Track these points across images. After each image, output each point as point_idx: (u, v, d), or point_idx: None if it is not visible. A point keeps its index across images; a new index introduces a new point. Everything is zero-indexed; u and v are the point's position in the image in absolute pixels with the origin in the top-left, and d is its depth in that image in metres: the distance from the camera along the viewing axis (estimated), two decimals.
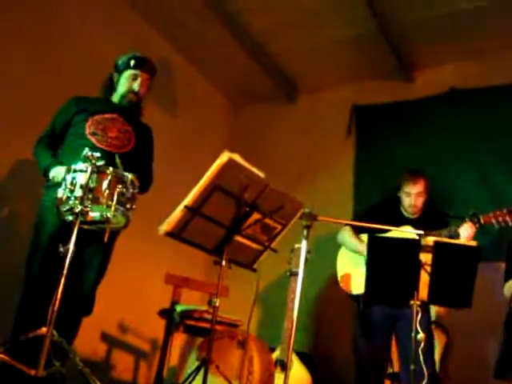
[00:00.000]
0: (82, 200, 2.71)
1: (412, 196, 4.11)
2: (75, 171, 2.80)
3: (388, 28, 5.06)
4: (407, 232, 3.79)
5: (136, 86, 3.62)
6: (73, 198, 2.73)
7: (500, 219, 3.76)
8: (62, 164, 3.23)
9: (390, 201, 4.33)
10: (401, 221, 4.04)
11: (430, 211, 4.21)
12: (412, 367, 3.09)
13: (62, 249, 2.68)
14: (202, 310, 4.10)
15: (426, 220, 4.04)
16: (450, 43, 5.21)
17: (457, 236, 3.83)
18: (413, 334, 3.11)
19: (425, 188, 4.14)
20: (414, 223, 4.01)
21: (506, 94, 5.00)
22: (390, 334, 3.96)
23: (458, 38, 5.13)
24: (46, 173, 3.30)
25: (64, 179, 2.85)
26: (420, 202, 4.13)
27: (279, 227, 3.16)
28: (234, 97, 6.59)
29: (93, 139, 3.39)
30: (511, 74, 4.98)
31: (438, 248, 3.13)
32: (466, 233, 3.80)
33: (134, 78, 3.62)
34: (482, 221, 3.80)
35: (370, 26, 5.04)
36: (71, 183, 2.77)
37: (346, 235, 4.23)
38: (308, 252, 3.14)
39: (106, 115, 3.53)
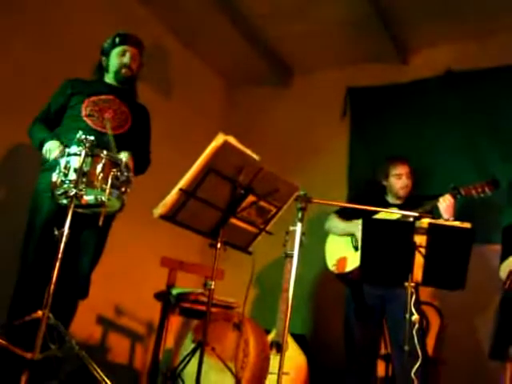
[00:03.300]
0: (76, 184, 2.71)
1: (403, 176, 4.18)
2: (69, 155, 2.80)
3: (382, 9, 5.01)
4: (395, 213, 3.85)
5: (126, 59, 3.62)
6: (67, 182, 2.74)
7: (479, 190, 3.84)
8: (58, 139, 3.25)
9: (374, 189, 4.37)
10: (387, 208, 4.08)
11: (413, 196, 4.26)
12: (406, 348, 3.11)
13: (56, 232, 2.69)
14: (197, 292, 4.11)
15: (410, 205, 4.06)
16: (445, 24, 5.16)
17: (437, 209, 3.89)
18: (407, 316, 3.14)
19: (411, 169, 4.21)
20: (400, 208, 4.05)
21: (503, 76, 4.98)
22: (382, 315, 4.00)
23: (453, 18, 5.08)
24: (41, 146, 3.29)
25: (56, 159, 2.90)
26: (410, 182, 4.19)
27: (274, 210, 3.17)
28: (229, 79, 6.55)
29: (89, 121, 3.39)
30: (508, 55, 4.95)
31: (431, 230, 3.14)
32: (444, 204, 3.86)
33: (123, 53, 3.62)
34: (462, 192, 3.87)
35: (365, 8, 4.98)
36: (65, 167, 2.77)
37: (335, 220, 4.27)
38: (303, 234, 3.15)
39: (102, 96, 3.52)
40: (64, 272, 2.72)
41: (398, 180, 4.18)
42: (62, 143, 3.21)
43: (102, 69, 3.70)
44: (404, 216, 3.63)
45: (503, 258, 3.78)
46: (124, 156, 3.18)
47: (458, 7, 4.93)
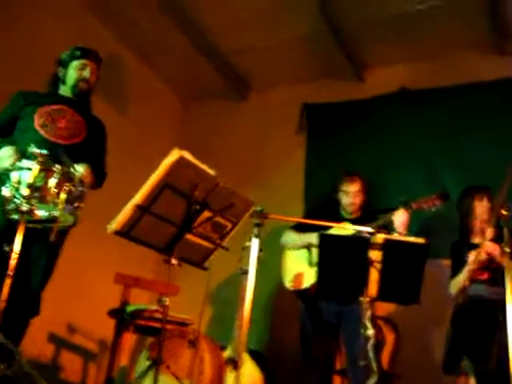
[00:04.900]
0: (28, 199, 2.65)
1: (350, 194, 4.23)
2: (21, 169, 2.75)
3: (339, 28, 5.10)
4: (348, 228, 3.89)
5: (86, 73, 3.61)
6: (18, 197, 2.67)
7: (430, 203, 3.92)
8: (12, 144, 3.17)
9: (329, 203, 4.40)
10: (341, 222, 4.12)
11: (367, 212, 4.30)
12: (362, 363, 3.12)
13: (6, 248, 2.62)
14: (152, 309, 4.06)
15: (365, 220, 4.09)
16: (400, 44, 5.28)
17: (391, 223, 3.92)
18: (362, 331, 3.14)
19: (362, 187, 4.26)
20: (353, 223, 4.08)
21: (454, 95, 5.10)
22: (338, 330, 4.01)
23: (408, 38, 5.20)
24: None
25: (12, 167, 2.81)
26: (358, 200, 4.25)
27: (230, 225, 3.15)
28: (185, 94, 6.54)
29: (42, 131, 3.35)
30: (460, 74, 5.08)
31: (387, 245, 3.16)
32: (399, 218, 3.90)
33: (83, 67, 3.61)
34: (413, 206, 3.93)
35: (322, 26, 5.06)
36: (17, 181, 2.70)
37: (291, 235, 4.30)
38: (260, 250, 3.13)
39: (55, 106, 3.49)
40: (14, 289, 2.65)
41: (345, 196, 4.25)
42: (16, 149, 3.12)
43: (57, 80, 3.66)
44: (359, 231, 3.65)
45: (453, 272, 3.85)
46: (82, 168, 3.14)
47: (412, 28, 5.05)
